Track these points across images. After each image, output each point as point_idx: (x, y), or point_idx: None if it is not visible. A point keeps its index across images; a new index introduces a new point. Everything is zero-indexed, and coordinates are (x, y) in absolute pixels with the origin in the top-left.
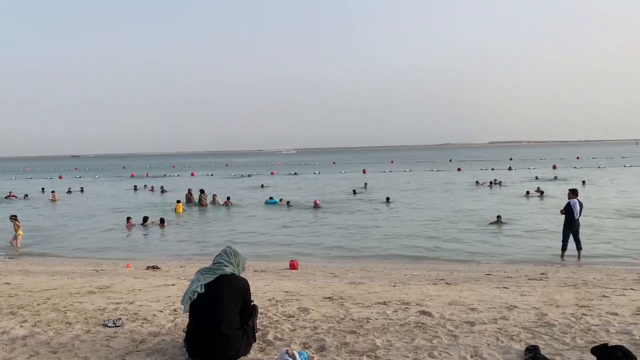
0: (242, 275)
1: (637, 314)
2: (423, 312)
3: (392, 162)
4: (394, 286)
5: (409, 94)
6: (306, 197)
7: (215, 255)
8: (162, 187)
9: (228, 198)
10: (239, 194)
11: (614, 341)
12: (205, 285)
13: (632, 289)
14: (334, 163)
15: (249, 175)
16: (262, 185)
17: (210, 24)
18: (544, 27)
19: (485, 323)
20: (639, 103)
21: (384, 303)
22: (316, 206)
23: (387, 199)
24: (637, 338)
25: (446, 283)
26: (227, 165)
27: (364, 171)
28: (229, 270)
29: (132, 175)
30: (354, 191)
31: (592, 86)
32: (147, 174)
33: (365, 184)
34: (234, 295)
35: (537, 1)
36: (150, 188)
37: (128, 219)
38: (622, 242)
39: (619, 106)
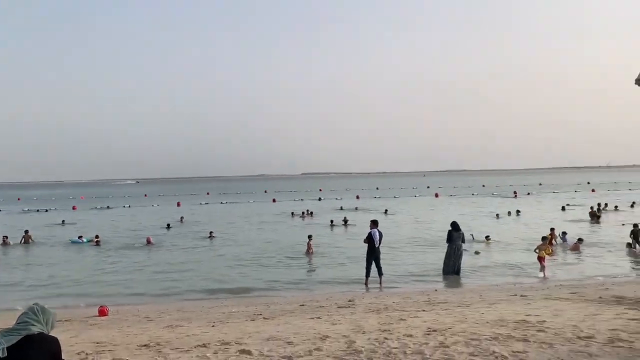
0: (51, 333)
1: (428, 334)
2: (243, 351)
3: (207, 193)
4: (213, 326)
5: (224, 124)
6: (120, 233)
7: (20, 314)
8: None
9: (26, 232)
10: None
11: None
12: (8, 348)
13: (423, 310)
14: (145, 195)
15: (46, 210)
16: (63, 222)
17: None
18: (343, 66)
19: (301, 356)
20: (423, 141)
21: (204, 345)
22: (149, 243)
23: (211, 233)
24: (428, 357)
25: (264, 318)
26: (19, 199)
27: (178, 204)
28: (36, 329)
29: None
30: (168, 225)
31: (386, 123)
32: None
33: (182, 217)
34: (42, 356)
35: (329, 41)
36: None
37: None
38: (415, 266)
39: (411, 143)
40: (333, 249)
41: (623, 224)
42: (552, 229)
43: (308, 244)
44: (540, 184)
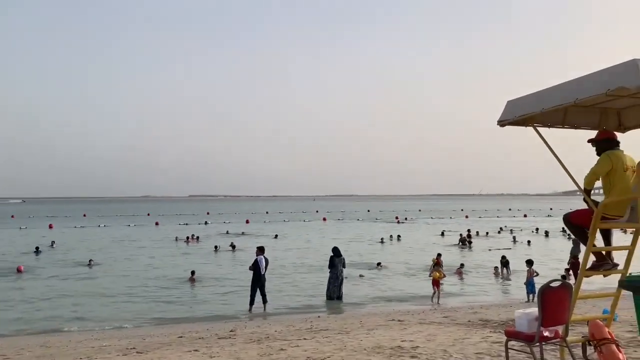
0: None
1: None
2: None
3: (84, 215)
4: None
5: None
6: None
7: None
8: None
9: None
10: None
11: None
12: None
13: (304, 338)
14: (12, 216)
15: None
16: None
17: None
18: (233, 86)
19: None
20: (309, 165)
21: None
22: (19, 272)
23: (90, 261)
24: None
25: (137, 352)
26: None
27: (50, 226)
28: None
29: None
30: (37, 249)
31: (271, 147)
32: None
33: (53, 242)
34: None
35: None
36: None
37: None
38: (300, 292)
39: (297, 167)
40: (217, 275)
41: (490, 249)
42: (438, 254)
43: (191, 277)
44: (420, 210)
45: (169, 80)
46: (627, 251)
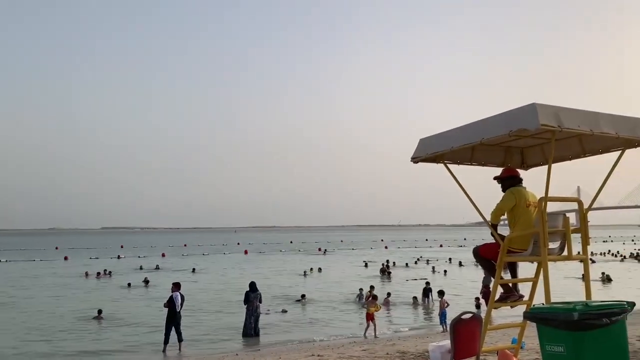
0: None
1: None
2: None
3: None
4: None
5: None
6: None
7: None
8: None
9: None
10: None
11: None
12: None
13: None
14: None
15: None
16: None
17: None
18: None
19: None
20: (231, 197)
21: None
22: None
23: None
24: None
25: None
26: None
27: None
28: None
29: None
30: None
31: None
32: None
33: None
34: None
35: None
36: None
37: None
38: (218, 329)
39: (218, 198)
40: (128, 313)
41: (407, 280)
42: (371, 287)
43: (98, 315)
44: (341, 241)
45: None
46: (531, 283)
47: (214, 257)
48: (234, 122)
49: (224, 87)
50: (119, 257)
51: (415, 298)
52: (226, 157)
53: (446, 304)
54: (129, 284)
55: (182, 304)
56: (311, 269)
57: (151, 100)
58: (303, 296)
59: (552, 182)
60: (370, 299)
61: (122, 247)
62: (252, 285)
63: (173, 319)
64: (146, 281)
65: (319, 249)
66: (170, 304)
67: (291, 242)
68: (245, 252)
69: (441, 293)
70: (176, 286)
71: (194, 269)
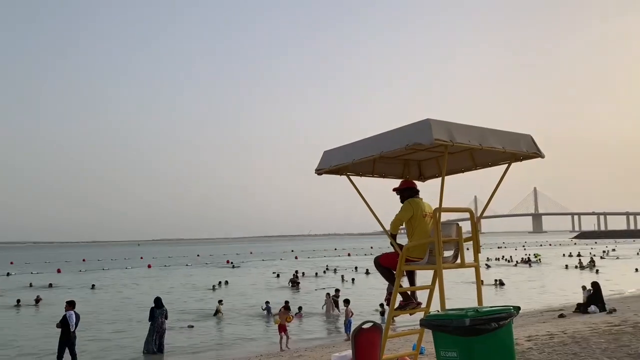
0: None
1: None
2: None
3: None
4: None
5: None
6: None
7: None
8: None
9: None
10: None
11: None
12: None
13: None
14: None
15: None
16: None
17: None
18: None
19: None
20: (136, 209)
21: None
22: None
23: None
24: None
25: None
26: None
27: None
28: None
29: None
30: None
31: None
32: None
33: None
34: None
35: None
36: None
37: None
38: (118, 347)
39: (119, 210)
40: (15, 335)
41: (316, 289)
42: (286, 301)
43: None
44: (251, 253)
45: None
46: (428, 290)
47: (115, 272)
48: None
49: None
50: (8, 274)
51: (324, 307)
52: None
53: (351, 313)
54: (18, 301)
55: (77, 324)
56: (219, 282)
57: None
58: (217, 311)
59: (455, 192)
60: (282, 310)
61: (12, 263)
62: (158, 301)
63: (67, 340)
64: (37, 300)
65: (228, 262)
66: (64, 323)
67: (198, 256)
68: (149, 266)
69: (347, 302)
70: (70, 305)
71: (93, 285)
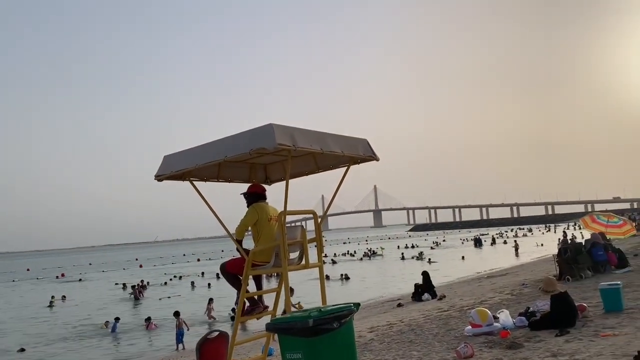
0: None
1: None
2: None
3: None
4: None
5: None
6: None
7: None
8: None
9: None
10: None
11: None
12: None
13: None
14: None
15: None
16: None
17: None
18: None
19: None
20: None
21: None
22: None
23: None
24: None
25: None
26: None
27: None
28: None
29: None
30: None
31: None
32: None
33: None
34: None
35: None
36: None
37: None
38: None
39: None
40: None
41: (169, 297)
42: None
43: None
44: (90, 264)
45: None
46: (275, 293)
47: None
48: None
49: None
50: None
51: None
52: None
53: (184, 324)
54: None
55: None
56: (53, 296)
57: None
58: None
59: (304, 192)
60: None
61: None
62: None
63: None
64: None
65: (62, 275)
66: None
67: (28, 270)
68: None
69: (176, 314)
70: None
71: None
